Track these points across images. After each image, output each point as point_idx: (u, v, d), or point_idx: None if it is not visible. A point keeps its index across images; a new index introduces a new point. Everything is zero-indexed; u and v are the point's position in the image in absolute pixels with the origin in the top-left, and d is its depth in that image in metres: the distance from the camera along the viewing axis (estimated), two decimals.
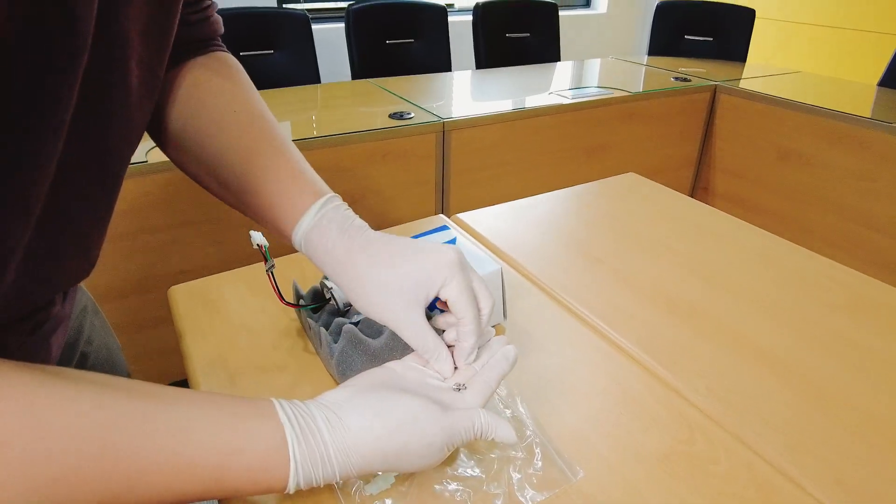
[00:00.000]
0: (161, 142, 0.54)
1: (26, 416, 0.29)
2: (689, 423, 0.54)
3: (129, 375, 0.65)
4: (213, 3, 0.54)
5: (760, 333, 0.67)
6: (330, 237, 0.47)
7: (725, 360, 0.63)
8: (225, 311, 0.69)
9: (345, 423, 0.38)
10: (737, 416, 0.55)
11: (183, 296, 0.73)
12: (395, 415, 0.40)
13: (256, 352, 0.62)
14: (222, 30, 0.56)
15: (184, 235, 1.33)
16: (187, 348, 0.63)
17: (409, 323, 0.46)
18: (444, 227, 0.71)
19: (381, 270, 0.45)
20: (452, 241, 0.68)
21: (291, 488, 0.37)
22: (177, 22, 0.43)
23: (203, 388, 0.57)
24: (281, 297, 0.56)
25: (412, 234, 0.71)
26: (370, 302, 0.46)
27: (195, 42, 0.53)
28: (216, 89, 0.52)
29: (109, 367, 0.62)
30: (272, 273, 0.56)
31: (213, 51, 0.55)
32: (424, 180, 1.64)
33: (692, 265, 0.81)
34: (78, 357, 0.57)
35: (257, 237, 0.57)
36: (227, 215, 1.35)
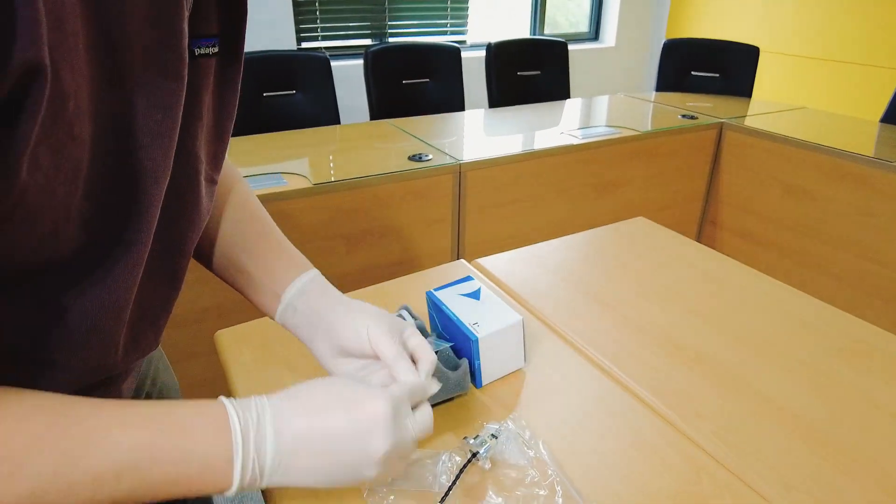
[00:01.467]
0: None
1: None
2: (695, 465, 0.60)
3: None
4: None
5: (763, 378, 0.73)
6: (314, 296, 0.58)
7: (730, 404, 0.69)
8: (269, 355, 0.76)
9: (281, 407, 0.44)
10: (740, 459, 0.61)
11: (229, 339, 0.80)
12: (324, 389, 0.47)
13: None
14: None
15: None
16: (237, 391, 0.69)
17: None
18: (469, 278, 0.78)
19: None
20: (477, 292, 0.75)
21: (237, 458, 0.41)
22: (229, 134, 0.52)
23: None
24: None
25: (436, 284, 0.77)
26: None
27: None
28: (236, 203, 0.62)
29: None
30: None
31: None
32: (441, 218, 1.71)
33: (700, 311, 0.87)
34: (143, 398, 0.64)
35: None
36: None
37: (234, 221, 0.61)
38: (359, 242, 1.57)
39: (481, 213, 1.78)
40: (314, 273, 0.61)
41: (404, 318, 0.58)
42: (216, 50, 0.46)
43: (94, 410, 0.37)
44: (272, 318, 0.61)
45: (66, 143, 0.32)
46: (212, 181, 0.50)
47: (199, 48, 0.43)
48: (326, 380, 0.48)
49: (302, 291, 0.59)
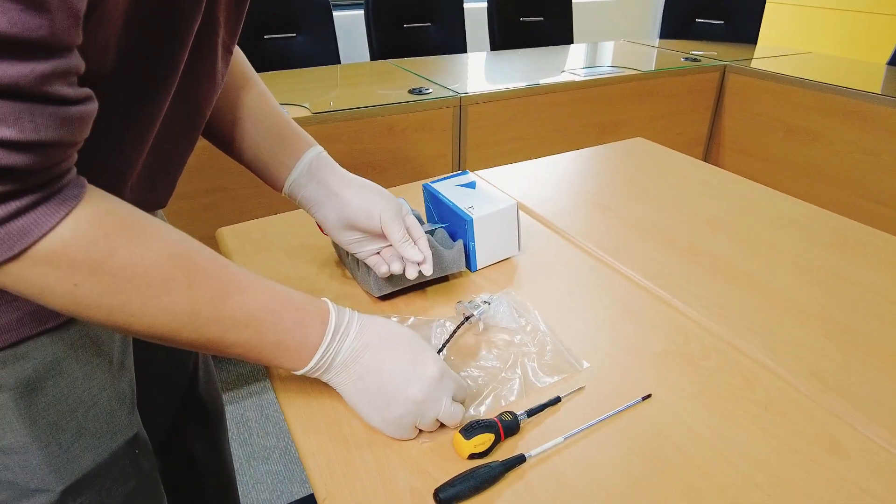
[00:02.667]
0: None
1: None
2: (685, 330, 0.62)
3: None
4: None
5: (752, 265, 0.74)
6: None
7: (719, 285, 0.70)
8: (270, 247, 0.77)
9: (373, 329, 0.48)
10: (727, 326, 0.62)
11: (230, 235, 0.81)
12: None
13: (302, 279, 0.70)
14: None
15: (216, 201, 1.42)
16: None
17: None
18: (465, 172, 0.79)
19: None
20: (473, 183, 0.76)
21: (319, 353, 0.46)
22: (244, 14, 0.52)
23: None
24: (322, 229, 0.64)
25: (435, 180, 0.78)
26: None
27: None
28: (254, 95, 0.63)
29: None
30: None
31: None
32: (441, 153, 1.71)
33: (694, 212, 0.88)
34: None
35: None
36: (256, 181, 1.43)
37: (252, 108, 0.62)
38: (359, 174, 1.57)
39: (482, 149, 1.78)
40: (320, 149, 0.63)
41: None
42: None
43: (230, 265, 0.42)
44: (279, 189, 0.62)
45: None
46: (227, 50, 0.52)
47: None
48: (410, 331, 0.50)
49: (310, 165, 0.61)
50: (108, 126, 0.40)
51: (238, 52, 0.61)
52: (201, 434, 0.76)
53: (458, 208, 0.70)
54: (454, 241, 0.70)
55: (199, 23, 0.43)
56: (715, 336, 0.61)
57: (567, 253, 0.77)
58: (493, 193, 0.73)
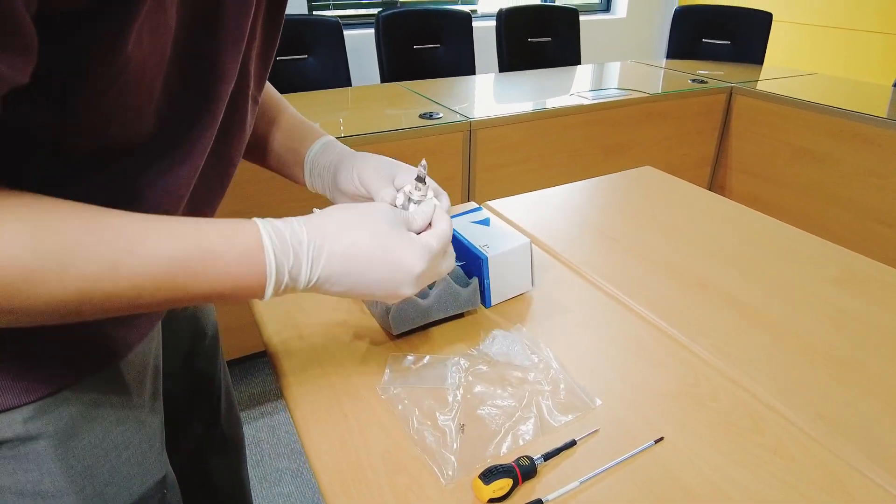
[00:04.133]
0: None
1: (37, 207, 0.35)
2: (694, 370, 0.63)
3: (216, 329, 0.76)
4: None
5: (762, 301, 0.76)
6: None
7: (729, 323, 0.72)
8: None
9: (319, 218, 0.45)
10: (737, 367, 0.64)
11: None
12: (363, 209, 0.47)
13: (321, 313, 0.72)
14: None
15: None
16: (260, 315, 0.73)
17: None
18: (479, 208, 0.81)
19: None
20: (487, 220, 0.78)
21: (269, 292, 0.42)
22: (271, 66, 0.55)
23: (277, 345, 0.67)
24: None
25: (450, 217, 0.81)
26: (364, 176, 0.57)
27: None
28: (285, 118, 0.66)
29: (204, 315, 0.72)
30: None
31: None
32: (451, 176, 1.74)
33: (704, 244, 0.90)
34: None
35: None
36: (268, 202, 1.46)
37: (281, 135, 0.65)
38: None
39: (491, 172, 1.80)
40: (328, 138, 0.65)
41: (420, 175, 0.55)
42: None
43: (127, 221, 0.37)
44: (307, 186, 0.65)
45: (161, 28, 0.36)
46: (255, 101, 0.54)
47: None
48: (368, 215, 0.47)
49: (316, 154, 0.63)
50: (143, 187, 0.42)
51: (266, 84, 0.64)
52: (222, 464, 0.78)
53: (474, 246, 0.72)
54: (469, 278, 0.72)
55: (235, 77, 0.46)
56: (724, 376, 0.63)
57: (578, 287, 0.79)
58: (506, 231, 0.75)
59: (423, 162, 0.53)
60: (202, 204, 0.50)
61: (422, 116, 1.71)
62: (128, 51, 0.34)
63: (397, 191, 0.55)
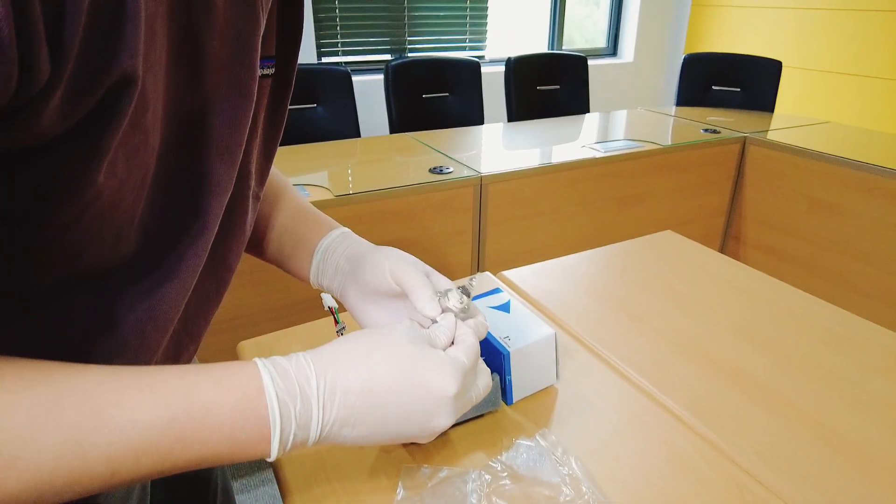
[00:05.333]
0: None
1: None
2: (737, 484, 0.57)
3: None
4: None
5: (803, 395, 0.70)
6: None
7: (770, 422, 0.66)
8: None
9: (329, 350, 0.39)
10: (784, 479, 0.58)
11: (252, 350, 0.79)
12: (384, 342, 0.41)
13: None
14: None
15: (237, 282, 1.40)
16: None
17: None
18: (498, 290, 0.76)
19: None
20: (507, 304, 0.73)
21: (275, 445, 0.36)
22: (273, 159, 0.52)
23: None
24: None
25: None
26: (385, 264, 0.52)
27: None
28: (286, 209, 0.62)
29: None
30: (342, 334, 0.61)
31: None
32: (462, 230, 1.70)
33: (734, 325, 0.84)
34: None
35: (328, 300, 0.63)
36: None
37: (283, 222, 0.61)
38: None
39: (502, 226, 1.76)
40: (345, 229, 0.60)
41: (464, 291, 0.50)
42: (273, 71, 0.46)
43: (93, 382, 0.32)
44: (309, 281, 0.59)
45: (140, 151, 0.32)
46: (257, 198, 0.50)
47: (261, 69, 0.43)
48: (384, 337, 0.42)
49: (331, 244, 0.58)
50: (122, 313, 0.37)
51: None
52: None
53: (494, 338, 0.67)
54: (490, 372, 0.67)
55: (231, 187, 0.41)
56: (770, 492, 0.57)
57: (606, 379, 0.73)
58: (529, 319, 0.70)
59: (476, 277, 0.48)
60: (194, 318, 0.46)
61: (431, 171, 1.68)
62: (98, 184, 0.30)
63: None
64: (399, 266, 0.50)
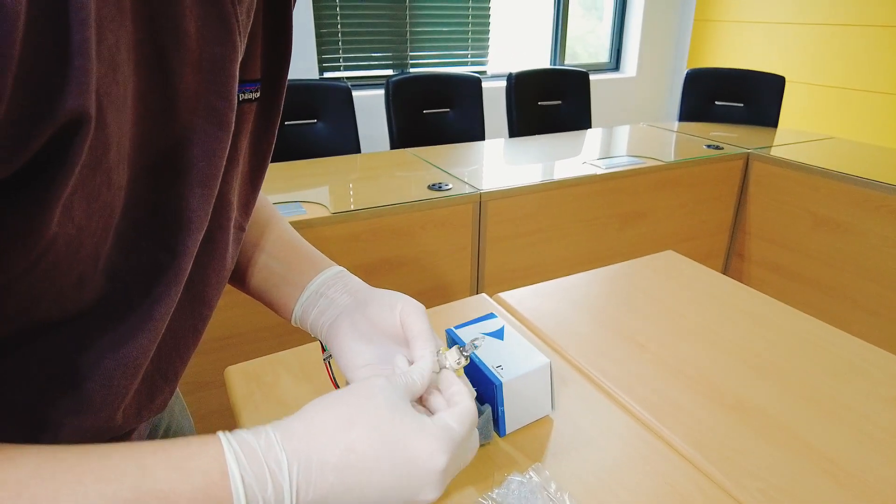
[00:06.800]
0: None
1: None
2: None
3: None
4: None
5: (811, 428, 0.67)
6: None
7: (777, 458, 0.63)
8: (280, 394, 0.72)
9: (301, 424, 0.36)
10: None
11: (239, 376, 0.76)
12: (365, 410, 0.37)
13: None
14: None
15: (224, 303, 1.38)
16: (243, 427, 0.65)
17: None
18: (492, 315, 0.74)
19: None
20: (501, 331, 0.71)
21: None
22: (260, 188, 0.49)
23: None
24: (336, 386, 0.59)
25: (457, 319, 0.73)
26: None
27: None
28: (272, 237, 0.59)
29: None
30: (329, 363, 0.58)
31: None
32: (461, 247, 1.68)
33: (738, 353, 0.82)
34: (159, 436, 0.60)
35: None
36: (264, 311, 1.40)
37: (277, 244, 0.58)
38: (377, 272, 1.54)
39: (502, 243, 1.74)
40: (342, 268, 0.57)
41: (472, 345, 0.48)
42: (258, 95, 0.43)
43: (39, 466, 0.29)
44: (289, 316, 0.56)
45: (102, 192, 0.30)
46: (241, 228, 0.48)
47: (243, 93, 0.41)
48: (364, 401, 0.38)
49: (329, 279, 0.55)
50: (87, 364, 0.35)
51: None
52: None
53: (486, 367, 0.64)
54: (481, 403, 0.65)
55: (207, 222, 0.39)
56: None
57: (604, 410, 0.70)
58: (523, 346, 0.68)
59: (481, 338, 0.46)
60: (169, 359, 0.43)
61: (430, 188, 1.66)
62: (51, 233, 0.27)
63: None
64: (410, 310, 0.48)
